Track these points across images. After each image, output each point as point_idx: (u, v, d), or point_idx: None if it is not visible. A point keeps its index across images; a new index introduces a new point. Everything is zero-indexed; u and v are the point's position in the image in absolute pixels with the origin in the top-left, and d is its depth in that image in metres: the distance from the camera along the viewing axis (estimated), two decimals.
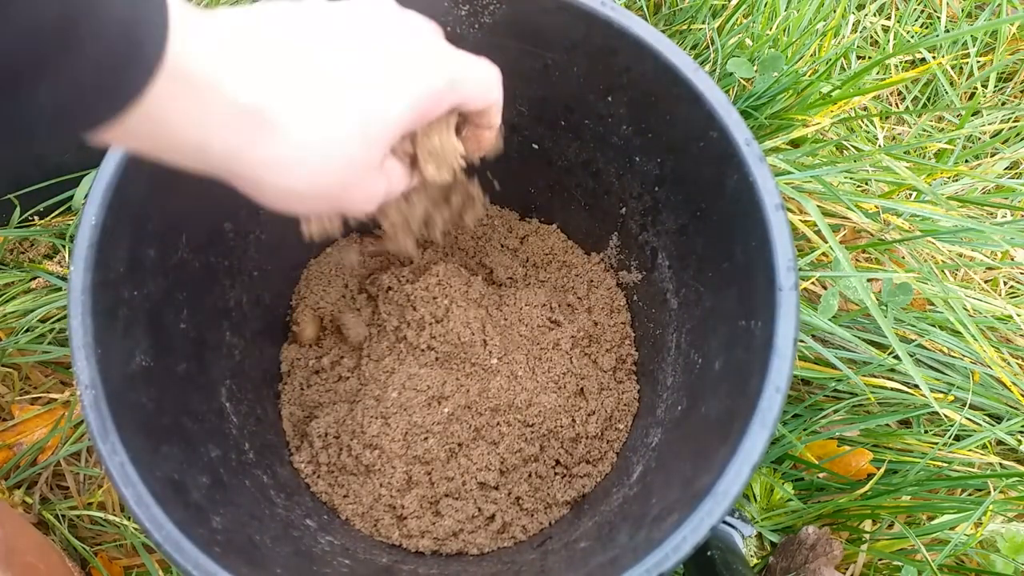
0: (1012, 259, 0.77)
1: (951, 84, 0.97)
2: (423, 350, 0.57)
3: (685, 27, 0.84)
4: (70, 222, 0.69)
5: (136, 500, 0.35)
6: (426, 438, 0.54)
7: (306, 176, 0.30)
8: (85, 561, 0.61)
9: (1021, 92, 1.01)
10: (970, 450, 0.68)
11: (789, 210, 0.71)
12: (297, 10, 0.30)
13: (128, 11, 0.22)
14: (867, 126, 0.89)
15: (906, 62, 0.97)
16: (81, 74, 0.22)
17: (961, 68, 0.98)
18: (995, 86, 0.99)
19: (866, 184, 0.82)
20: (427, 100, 0.33)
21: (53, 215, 0.69)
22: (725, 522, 0.63)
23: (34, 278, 0.67)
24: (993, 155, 0.91)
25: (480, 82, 0.36)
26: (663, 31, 0.54)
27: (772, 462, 0.68)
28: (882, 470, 0.64)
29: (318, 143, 0.29)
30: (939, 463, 0.67)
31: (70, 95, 0.22)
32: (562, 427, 0.56)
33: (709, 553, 0.54)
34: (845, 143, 0.83)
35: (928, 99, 0.97)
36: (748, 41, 0.82)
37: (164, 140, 0.27)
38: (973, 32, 0.98)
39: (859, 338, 0.70)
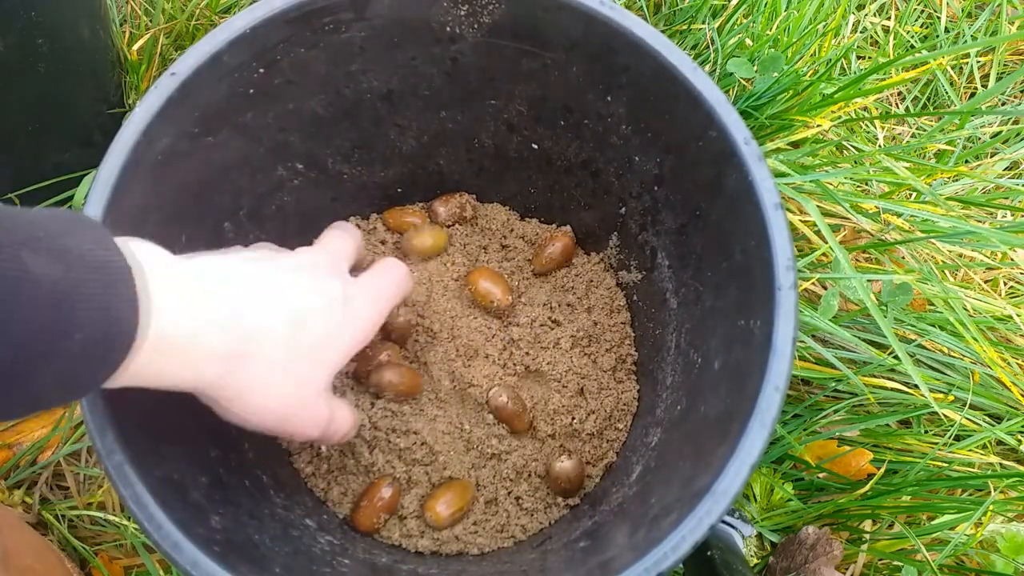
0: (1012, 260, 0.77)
1: (951, 84, 0.97)
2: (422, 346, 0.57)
3: (685, 27, 0.84)
4: None
5: (135, 500, 0.35)
6: (423, 443, 0.54)
7: (274, 395, 0.39)
8: (85, 561, 0.61)
9: (1021, 92, 1.01)
10: (970, 450, 0.68)
11: (789, 210, 0.71)
12: (251, 264, 0.39)
13: (100, 311, 0.28)
14: (867, 126, 0.89)
15: (906, 62, 0.97)
16: (73, 360, 0.27)
17: (961, 68, 0.98)
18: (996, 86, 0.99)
19: (866, 184, 0.82)
20: (363, 339, 0.44)
21: None
22: (725, 522, 0.63)
23: None
24: (993, 155, 0.91)
25: (399, 291, 0.48)
26: (663, 31, 0.54)
27: (772, 462, 0.68)
28: (882, 470, 0.64)
29: (280, 375, 0.38)
30: (939, 463, 0.67)
31: (68, 371, 0.28)
32: (562, 426, 0.56)
33: (709, 553, 0.54)
34: (845, 143, 0.83)
35: (928, 99, 0.97)
36: (748, 41, 0.82)
37: (162, 381, 0.33)
38: (974, 34, 0.98)
39: (859, 338, 0.70)
